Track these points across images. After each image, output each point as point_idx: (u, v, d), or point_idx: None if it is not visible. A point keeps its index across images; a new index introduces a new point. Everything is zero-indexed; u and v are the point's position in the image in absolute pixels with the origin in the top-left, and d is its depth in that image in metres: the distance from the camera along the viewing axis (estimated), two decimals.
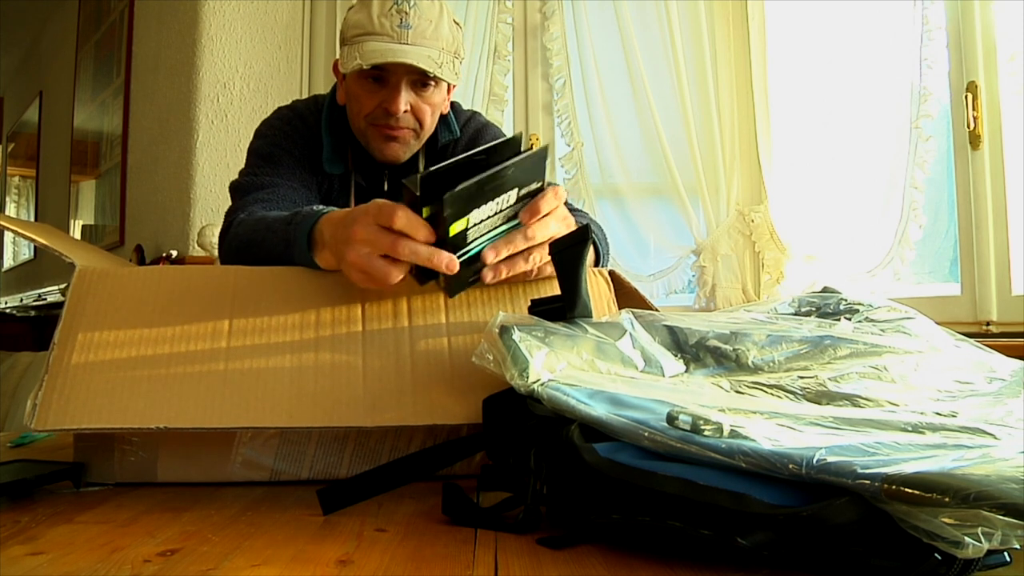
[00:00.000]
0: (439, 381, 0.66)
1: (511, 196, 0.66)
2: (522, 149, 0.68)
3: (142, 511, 0.57)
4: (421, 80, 1.04)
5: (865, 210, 1.89)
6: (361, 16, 1.02)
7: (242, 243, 0.90)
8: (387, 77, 1.03)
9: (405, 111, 1.04)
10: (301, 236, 0.76)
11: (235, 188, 1.08)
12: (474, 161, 0.64)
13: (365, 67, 1.00)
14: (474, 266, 0.68)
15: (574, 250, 0.66)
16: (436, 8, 1.03)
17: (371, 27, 1.00)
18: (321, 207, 0.79)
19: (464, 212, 0.62)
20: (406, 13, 1.00)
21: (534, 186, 0.68)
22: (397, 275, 0.65)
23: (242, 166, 1.14)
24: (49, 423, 0.59)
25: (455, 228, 0.62)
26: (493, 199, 0.64)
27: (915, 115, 1.79)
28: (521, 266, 0.70)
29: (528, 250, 0.69)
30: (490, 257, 0.67)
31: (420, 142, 1.12)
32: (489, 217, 0.65)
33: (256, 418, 0.62)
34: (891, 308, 0.72)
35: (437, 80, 1.04)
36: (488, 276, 0.69)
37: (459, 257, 0.65)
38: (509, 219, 0.69)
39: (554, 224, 0.70)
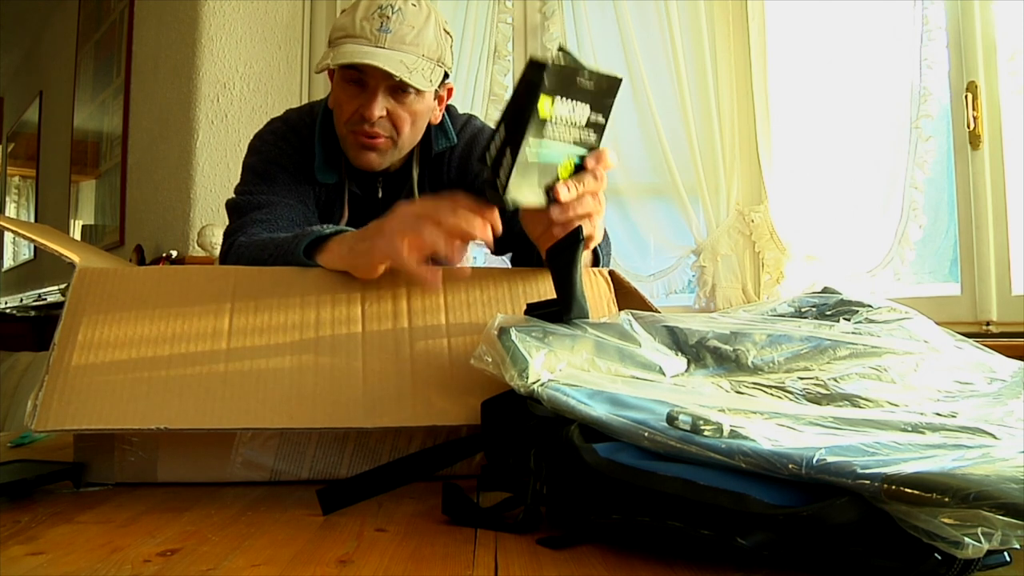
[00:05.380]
0: (439, 383, 0.66)
1: (584, 112, 0.67)
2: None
3: (142, 511, 0.57)
4: (400, 86, 1.02)
5: (865, 210, 1.89)
6: (346, 19, 1.02)
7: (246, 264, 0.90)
8: (366, 81, 1.02)
9: (381, 117, 1.02)
10: (303, 242, 0.76)
11: (232, 207, 1.08)
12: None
13: (333, 66, 1.00)
14: (531, 196, 0.69)
15: (568, 252, 0.66)
16: (422, 15, 1.02)
17: (352, 30, 1.00)
18: (326, 228, 0.79)
19: (555, 94, 0.64)
20: (387, 18, 0.99)
21: (600, 119, 0.69)
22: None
23: (238, 179, 1.14)
24: (49, 424, 0.59)
25: (542, 106, 0.64)
26: (576, 100, 0.66)
27: (915, 115, 1.79)
28: (590, 205, 0.72)
29: (594, 192, 0.72)
30: (563, 193, 0.69)
31: (400, 151, 1.09)
32: (563, 124, 0.67)
33: (256, 419, 0.62)
34: (891, 308, 0.72)
35: (418, 89, 1.02)
36: (556, 212, 0.71)
37: (528, 157, 0.66)
38: (574, 142, 0.69)
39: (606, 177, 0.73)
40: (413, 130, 1.08)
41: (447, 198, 0.71)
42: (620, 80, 0.69)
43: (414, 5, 1.02)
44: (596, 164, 0.71)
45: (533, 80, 0.63)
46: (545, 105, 0.64)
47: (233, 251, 0.96)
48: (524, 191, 0.67)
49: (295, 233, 0.82)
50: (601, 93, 0.68)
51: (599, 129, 0.70)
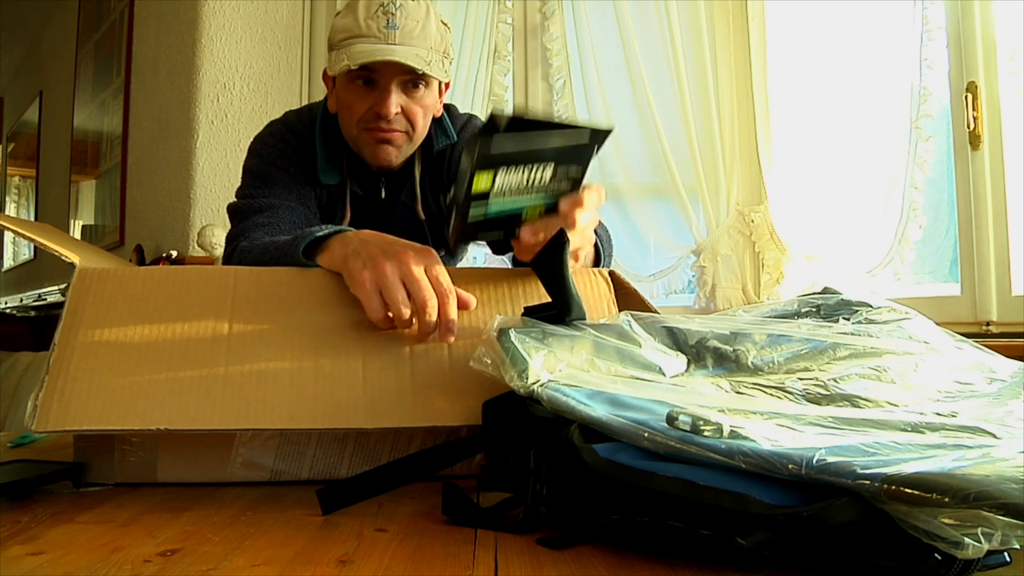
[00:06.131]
0: (438, 384, 0.66)
1: (546, 172, 0.64)
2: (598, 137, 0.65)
3: (142, 511, 0.57)
4: (411, 81, 1.03)
5: (865, 210, 1.89)
6: (348, 20, 1.02)
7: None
8: (377, 79, 1.03)
9: (396, 113, 1.04)
10: (302, 244, 0.76)
11: (233, 211, 1.08)
12: (540, 124, 0.62)
13: (353, 67, 0.99)
14: (490, 232, 0.67)
15: (554, 257, 0.66)
16: (423, 9, 1.03)
17: (358, 30, 1.00)
18: (326, 228, 0.79)
19: (494, 167, 0.61)
20: (392, 14, 1.00)
21: (573, 169, 0.66)
22: (408, 318, 0.66)
23: (238, 180, 1.14)
24: (50, 424, 0.59)
25: (479, 181, 0.61)
26: (531, 164, 0.63)
27: (915, 115, 1.79)
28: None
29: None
30: (527, 236, 0.68)
31: (413, 145, 1.10)
32: (515, 188, 0.64)
33: (256, 419, 0.62)
34: (891, 309, 0.72)
35: (428, 81, 1.04)
36: (519, 251, 0.70)
37: (472, 218, 0.63)
38: (536, 193, 0.67)
39: (587, 216, 0.70)
40: (424, 123, 1.09)
41: (424, 253, 0.68)
42: (603, 132, 0.65)
43: (413, 0, 1.02)
44: (570, 209, 0.68)
45: (470, 153, 0.60)
46: (482, 180, 0.61)
47: (236, 256, 0.96)
48: (480, 236, 0.66)
49: (294, 236, 0.82)
50: (574, 149, 0.64)
51: (573, 181, 0.67)
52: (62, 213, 4.13)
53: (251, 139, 1.17)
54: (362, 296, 0.67)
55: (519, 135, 0.60)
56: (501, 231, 0.69)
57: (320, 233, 0.77)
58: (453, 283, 0.72)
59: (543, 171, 0.64)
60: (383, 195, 1.16)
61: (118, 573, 0.43)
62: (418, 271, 0.67)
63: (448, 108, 1.19)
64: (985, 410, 0.54)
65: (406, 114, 1.05)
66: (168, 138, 2.67)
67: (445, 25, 1.08)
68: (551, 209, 0.69)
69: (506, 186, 0.63)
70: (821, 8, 1.98)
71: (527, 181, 0.64)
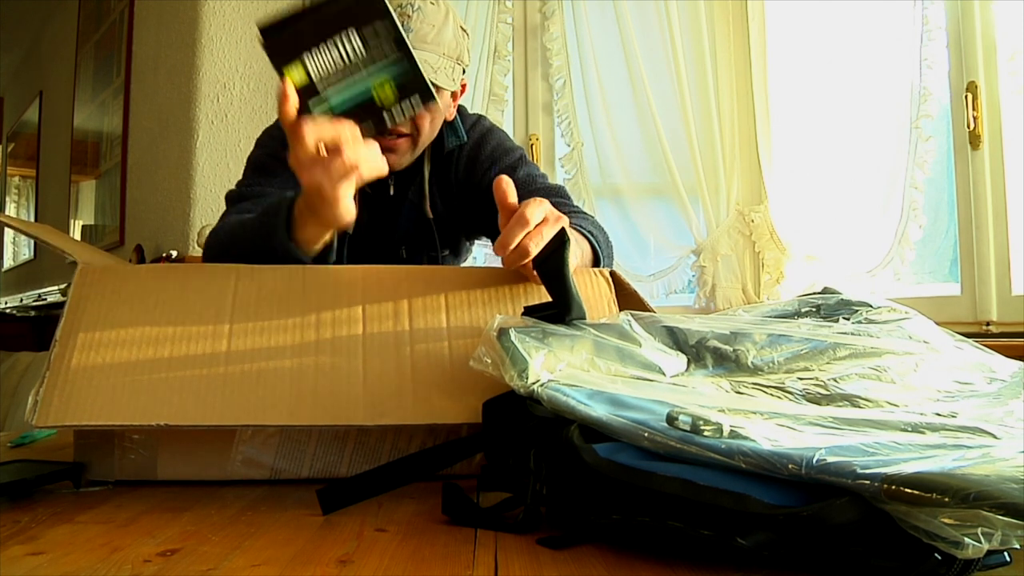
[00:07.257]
0: (439, 382, 0.66)
1: (355, 40, 0.61)
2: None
3: (142, 511, 0.57)
4: None
5: (865, 210, 1.89)
6: None
7: (221, 243, 0.92)
8: None
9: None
10: (280, 229, 0.77)
11: (227, 199, 1.09)
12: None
13: None
14: (361, 123, 0.66)
15: (555, 256, 0.66)
16: (441, 14, 1.02)
17: None
18: (290, 193, 0.80)
19: (295, 57, 0.59)
20: (408, 16, 1.00)
21: (379, 25, 0.63)
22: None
23: (238, 179, 1.14)
24: (50, 419, 0.59)
25: (293, 76, 0.59)
26: (331, 42, 0.60)
27: (915, 115, 1.79)
28: (532, 250, 0.69)
29: (529, 233, 0.69)
30: (496, 251, 0.69)
31: (418, 149, 1.10)
32: (342, 69, 0.62)
33: (257, 416, 0.62)
34: (891, 309, 0.72)
35: (437, 87, 1.04)
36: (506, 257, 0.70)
37: (316, 107, 0.62)
38: (372, 64, 0.64)
39: (540, 211, 0.69)
40: (432, 128, 1.09)
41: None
42: None
43: (432, 4, 1.01)
44: (525, 241, 0.67)
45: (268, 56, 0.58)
46: (294, 74, 0.59)
47: (210, 237, 0.97)
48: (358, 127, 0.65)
49: (262, 212, 0.83)
50: (363, 4, 0.61)
51: (392, 38, 0.63)
52: (62, 213, 4.12)
53: (251, 138, 1.18)
54: (312, 175, 0.68)
55: (295, 23, 0.59)
56: (370, 120, 0.67)
57: (282, 208, 0.79)
58: (454, 284, 0.72)
59: (351, 40, 0.62)
60: (391, 192, 1.16)
61: (118, 573, 0.43)
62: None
63: (458, 109, 1.19)
64: (985, 410, 0.54)
65: (413, 118, 1.05)
66: (168, 138, 2.67)
67: (464, 31, 1.07)
68: (404, 83, 0.66)
69: (325, 71, 0.61)
70: (821, 8, 1.98)
71: (344, 57, 0.62)
